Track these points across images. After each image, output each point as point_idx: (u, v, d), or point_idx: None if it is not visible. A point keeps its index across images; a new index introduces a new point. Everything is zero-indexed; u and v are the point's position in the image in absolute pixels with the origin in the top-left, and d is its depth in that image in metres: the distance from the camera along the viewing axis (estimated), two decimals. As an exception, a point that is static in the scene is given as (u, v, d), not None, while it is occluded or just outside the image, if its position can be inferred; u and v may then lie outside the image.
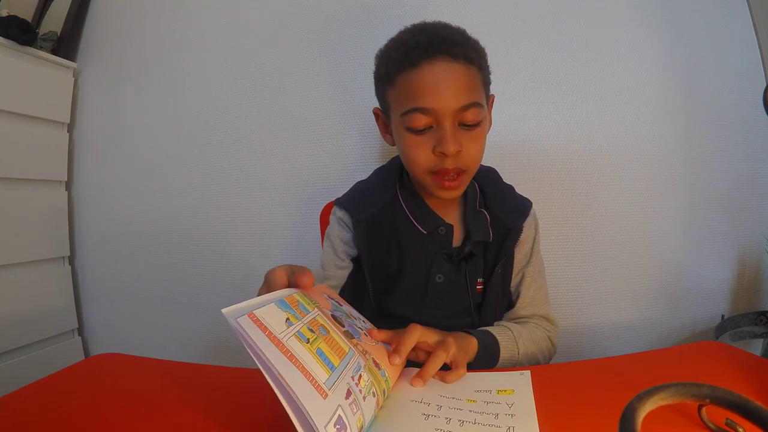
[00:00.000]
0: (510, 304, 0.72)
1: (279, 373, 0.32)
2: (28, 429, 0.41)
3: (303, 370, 0.33)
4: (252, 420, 0.42)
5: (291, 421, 0.32)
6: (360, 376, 0.39)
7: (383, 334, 0.51)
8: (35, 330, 1.15)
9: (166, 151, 1.22)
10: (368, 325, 0.54)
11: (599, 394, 0.45)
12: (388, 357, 0.48)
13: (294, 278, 0.44)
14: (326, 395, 0.33)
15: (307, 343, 0.36)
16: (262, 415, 0.43)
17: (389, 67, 0.62)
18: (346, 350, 0.41)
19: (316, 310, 0.43)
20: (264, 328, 0.34)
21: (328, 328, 0.41)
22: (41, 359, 1.14)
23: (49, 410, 0.44)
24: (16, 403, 0.46)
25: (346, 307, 0.53)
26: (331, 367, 0.36)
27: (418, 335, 0.50)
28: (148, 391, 0.49)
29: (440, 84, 0.57)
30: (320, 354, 0.37)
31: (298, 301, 0.41)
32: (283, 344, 0.34)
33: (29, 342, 1.13)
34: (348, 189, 0.77)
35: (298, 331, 0.37)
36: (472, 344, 0.57)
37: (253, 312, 0.35)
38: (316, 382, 0.33)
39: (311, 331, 0.38)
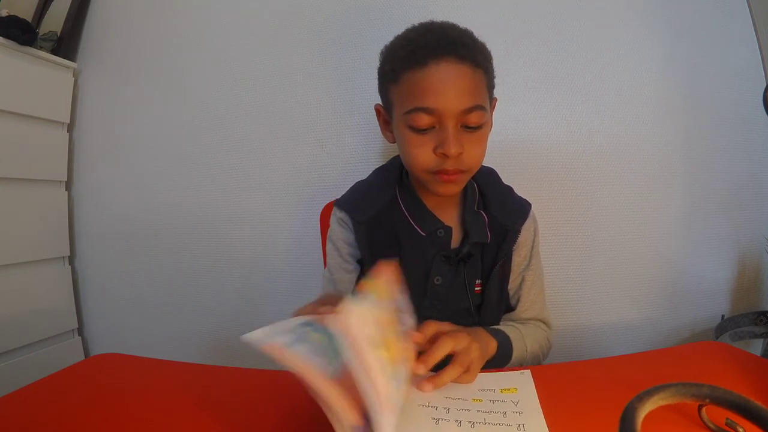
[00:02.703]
0: (508, 307, 0.72)
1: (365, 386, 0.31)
2: (28, 429, 0.41)
3: (375, 383, 0.32)
4: (252, 420, 0.42)
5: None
6: (400, 388, 0.38)
7: (423, 338, 0.50)
8: (35, 330, 1.15)
9: (166, 151, 1.22)
10: (409, 321, 0.50)
11: (599, 394, 0.45)
12: (414, 366, 0.46)
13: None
14: (385, 410, 0.32)
15: (384, 351, 0.34)
16: (262, 415, 0.43)
17: (395, 64, 0.61)
18: (399, 360, 0.39)
19: (391, 300, 0.40)
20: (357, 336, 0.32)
21: (392, 333, 0.39)
22: (41, 359, 1.14)
23: (49, 410, 0.44)
24: (16, 403, 0.46)
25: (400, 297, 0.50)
26: (392, 380, 0.35)
27: (449, 348, 0.48)
28: (148, 391, 0.49)
29: (445, 85, 0.57)
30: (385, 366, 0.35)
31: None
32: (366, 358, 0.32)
33: (29, 342, 1.13)
34: (347, 189, 0.77)
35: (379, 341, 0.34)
36: (492, 346, 0.57)
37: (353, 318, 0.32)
38: (379, 396, 0.32)
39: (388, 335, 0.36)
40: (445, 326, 0.53)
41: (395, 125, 0.65)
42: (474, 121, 0.59)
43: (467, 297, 0.69)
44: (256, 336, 0.32)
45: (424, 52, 0.57)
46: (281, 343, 0.32)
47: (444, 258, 0.67)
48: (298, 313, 0.46)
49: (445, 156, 0.58)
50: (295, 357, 0.31)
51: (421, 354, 0.47)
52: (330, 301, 0.46)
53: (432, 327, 0.51)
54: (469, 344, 0.50)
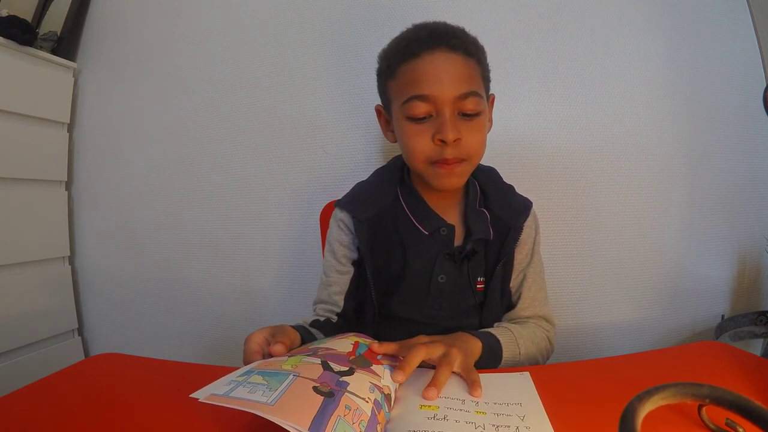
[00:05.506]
0: (509, 305, 0.72)
1: None
2: (28, 429, 0.41)
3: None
4: (252, 420, 0.42)
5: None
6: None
7: (384, 347, 0.51)
8: (35, 330, 1.15)
9: (166, 150, 1.22)
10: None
11: (599, 394, 0.45)
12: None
13: (268, 348, 0.46)
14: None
15: None
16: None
17: (391, 60, 0.63)
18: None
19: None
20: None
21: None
22: (41, 359, 1.14)
23: (49, 410, 0.44)
24: (16, 403, 0.46)
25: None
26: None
27: (423, 355, 0.49)
28: (148, 391, 0.49)
29: (440, 72, 0.59)
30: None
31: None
32: None
33: (29, 342, 1.13)
34: (348, 189, 0.77)
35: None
36: (476, 347, 0.57)
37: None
38: None
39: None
40: (422, 338, 0.54)
41: (395, 121, 0.65)
42: (470, 107, 0.60)
43: (471, 295, 0.69)
44: (198, 393, 0.35)
45: (417, 44, 0.60)
46: (221, 393, 0.35)
47: (448, 256, 0.68)
48: (251, 338, 0.48)
49: (443, 143, 0.59)
50: (235, 399, 0.34)
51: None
52: (281, 335, 0.49)
53: (403, 342, 0.53)
54: (447, 350, 0.51)
